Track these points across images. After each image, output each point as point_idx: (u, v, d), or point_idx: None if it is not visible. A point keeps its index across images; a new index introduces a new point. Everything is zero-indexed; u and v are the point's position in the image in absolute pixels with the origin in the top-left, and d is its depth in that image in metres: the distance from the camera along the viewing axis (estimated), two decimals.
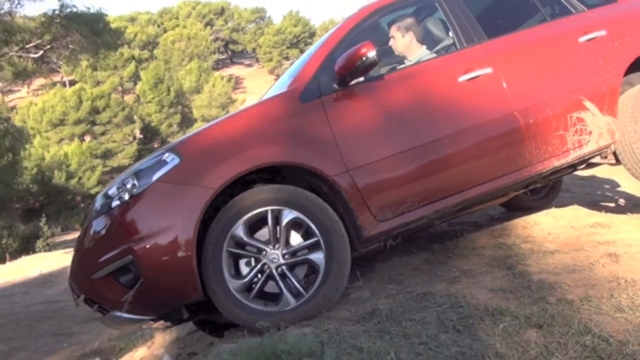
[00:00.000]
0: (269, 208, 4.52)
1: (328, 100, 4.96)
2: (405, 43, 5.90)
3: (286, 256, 4.52)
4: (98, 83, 65.11)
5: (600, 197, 8.73)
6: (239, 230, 4.46)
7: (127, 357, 6.52)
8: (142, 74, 69.03)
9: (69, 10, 24.85)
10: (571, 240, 5.62)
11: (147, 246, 4.29)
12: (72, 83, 66.40)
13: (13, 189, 31.50)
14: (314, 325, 4.12)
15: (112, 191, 4.62)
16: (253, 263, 4.54)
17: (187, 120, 69.29)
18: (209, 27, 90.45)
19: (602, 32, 5.72)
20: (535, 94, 5.42)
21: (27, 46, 24.73)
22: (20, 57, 25.74)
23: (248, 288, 4.47)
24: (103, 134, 56.57)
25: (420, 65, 5.58)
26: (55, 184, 41.19)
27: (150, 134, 66.25)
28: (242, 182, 4.71)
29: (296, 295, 4.45)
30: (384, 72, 5.31)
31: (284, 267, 4.50)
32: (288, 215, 4.54)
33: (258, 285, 4.46)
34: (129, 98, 69.35)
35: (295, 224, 4.63)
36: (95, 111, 55.37)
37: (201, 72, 72.87)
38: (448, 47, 5.71)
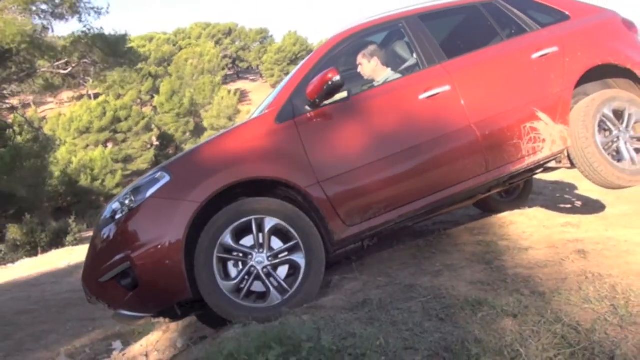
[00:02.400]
0: (252, 217, 4.61)
1: (301, 120, 5.05)
2: (372, 67, 5.98)
3: (270, 258, 4.61)
4: (119, 96, 65.06)
5: (570, 200, 8.72)
6: (227, 238, 4.55)
7: (145, 340, 6.49)
8: (160, 87, 69.16)
9: (95, 32, 24.87)
10: (544, 238, 5.62)
11: (142, 253, 4.46)
12: (97, 96, 66.43)
13: (43, 190, 31.53)
14: (311, 313, 4.12)
15: (116, 205, 4.77)
16: (241, 266, 4.61)
17: (199, 129, 69.45)
18: (218, 46, 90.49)
19: (554, 49, 5.72)
20: (490, 107, 5.42)
21: (57, 63, 24.70)
22: (50, 72, 25.75)
23: (238, 288, 4.52)
24: (124, 141, 56.48)
25: (383, 86, 5.61)
26: (81, 185, 41.25)
27: (166, 141, 66.21)
28: (229, 196, 4.79)
29: (281, 291, 4.53)
30: (351, 94, 5.30)
31: (269, 268, 4.58)
32: (270, 222, 4.64)
33: (247, 286, 4.53)
34: (147, 109, 69.29)
35: (275, 231, 4.69)
36: (117, 121, 55.31)
37: (213, 86, 72.92)
38: (412, 68, 5.74)
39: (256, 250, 4.59)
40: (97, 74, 28.07)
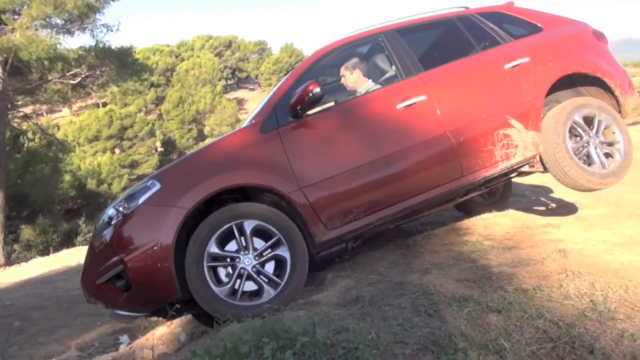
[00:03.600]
0: (232, 223, 4.63)
1: (284, 130, 5.06)
2: (354, 79, 5.96)
3: (256, 257, 4.63)
4: (125, 105, 65.13)
5: (551, 202, 8.72)
6: (213, 247, 4.58)
7: (150, 334, 6.49)
8: (167, 95, 69.28)
9: (102, 44, 24.88)
10: (526, 238, 5.62)
11: (135, 257, 4.49)
12: (105, 104, 66.52)
13: (55, 193, 31.63)
14: (306, 309, 4.13)
15: (112, 211, 4.82)
16: (231, 270, 4.62)
17: (202, 136, 69.49)
18: (219, 57, 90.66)
19: (526, 59, 5.72)
20: (465, 116, 5.42)
21: (67, 74, 24.69)
22: (61, 83, 25.76)
23: (233, 291, 4.54)
24: (130, 147, 56.61)
25: (363, 97, 5.62)
26: (89, 189, 41.33)
27: (170, 147, 66.25)
28: (219, 201, 4.87)
29: (274, 285, 4.57)
30: (333, 104, 5.38)
31: (257, 266, 4.61)
32: (249, 224, 4.67)
33: (241, 287, 4.56)
34: (151, 117, 69.32)
35: (256, 232, 4.71)
36: (123, 128, 55.49)
37: (214, 95, 73.02)
38: (391, 79, 5.71)
39: (242, 253, 4.62)
40: (104, 84, 28.10)
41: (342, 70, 6.01)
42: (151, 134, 59.54)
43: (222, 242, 4.65)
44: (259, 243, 4.71)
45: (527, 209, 7.78)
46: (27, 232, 28.98)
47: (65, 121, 59.39)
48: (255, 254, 4.63)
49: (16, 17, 22.27)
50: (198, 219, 4.66)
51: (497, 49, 5.91)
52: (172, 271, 4.46)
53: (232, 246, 4.67)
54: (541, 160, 5.69)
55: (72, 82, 25.42)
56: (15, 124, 28.96)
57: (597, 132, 5.69)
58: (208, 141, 54.14)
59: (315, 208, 4.88)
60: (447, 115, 5.34)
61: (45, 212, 31.22)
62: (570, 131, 5.57)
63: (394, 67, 5.70)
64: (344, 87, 6.13)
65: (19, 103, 28.95)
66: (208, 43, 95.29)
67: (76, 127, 53.75)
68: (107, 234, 4.70)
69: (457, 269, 4.80)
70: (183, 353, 4.26)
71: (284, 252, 4.66)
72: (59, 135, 45.90)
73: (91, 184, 42.19)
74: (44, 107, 45.92)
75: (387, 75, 5.88)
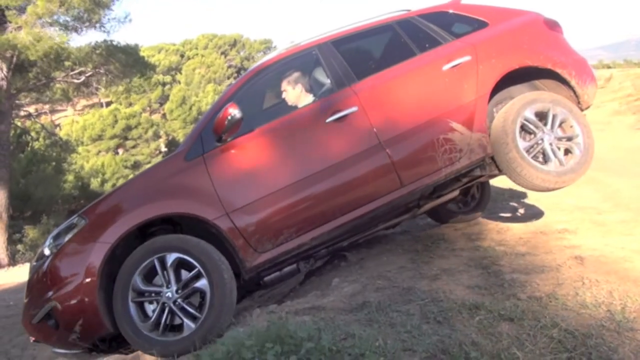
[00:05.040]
0: (154, 257, 4.63)
1: (209, 156, 5.06)
2: (296, 94, 5.85)
3: (179, 291, 4.59)
4: (130, 104, 65.31)
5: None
6: (137, 282, 4.59)
7: None
8: (171, 94, 69.45)
9: (109, 43, 24.95)
10: (541, 244, 5.57)
11: (61, 295, 4.60)
12: (108, 104, 66.70)
13: (59, 193, 31.81)
14: (312, 314, 4.14)
15: (44, 249, 4.92)
16: (155, 305, 4.60)
17: None
18: (223, 56, 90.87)
19: (467, 58, 5.55)
20: (400, 124, 5.29)
21: (72, 73, 24.75)
22: (65, 82, 25.84)
23: (157, 325, 4.52)
24: (134, 147, 56.71)
25: (291, 114, 5.54)
26: (92, 189, 41.46)
27: (174, 147, 66.37)
28: (149, 233, 4.99)
29: (194, 319, 4.50)
30: (256, 126, 5.28)
31: (179, 301, 4.55)
32: (170, 258, 4.63)
33: (163, 322, 4.52)
34: (156, 117, 69.51)
35: (182, 264, 4.68)
36: (127, 128, 55.63)
37: (215, 95, 73.22)
38: (327, 92, 5.61)
39: (164, 287, 4.60)
40: (110, 82, 28.19)
41: (284, 85, 5.92)
42: (155, 134, 59.77)
43: (149, 277, 4.67)
44: (186, 276, 4.69)
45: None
46: (30, 233, 29.12)
47: (68, 121, 59.52)
48: (177, 287, 4.60)
49: (22, 15, 22.25)
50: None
51: (435, 50, 5.74)
52: (97, 307, 4.55)
53: (158, 280, 4.67)
54: (495, 162, 5.56)
55: (76, 80, 25.50)
56: (18, 123, 29.09)
57: (551, 127, 5.49)
58: None
59: (242, 232, 4.86)
60: (381, 124, 5.24)
61: (49, 212, 31.36)
62: (523, 129, 5.41)
63: (329, 80, 5.63)
64: (286, 103, 5.99)
65: (23, 102, 29.08)
66: (212, 42, 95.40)
67: (80, 126, 53.94)
68: (38, 273, 4.83)
69: (468, 275, 4.78)
70: (187, 357, 4.24)
71: (203, 284, 4.58)
72: (62, 134, 46.19)
73: (95, 184, 42.33)
74: (47, 106, 46.12)
75: (324, 89, 5.77)
